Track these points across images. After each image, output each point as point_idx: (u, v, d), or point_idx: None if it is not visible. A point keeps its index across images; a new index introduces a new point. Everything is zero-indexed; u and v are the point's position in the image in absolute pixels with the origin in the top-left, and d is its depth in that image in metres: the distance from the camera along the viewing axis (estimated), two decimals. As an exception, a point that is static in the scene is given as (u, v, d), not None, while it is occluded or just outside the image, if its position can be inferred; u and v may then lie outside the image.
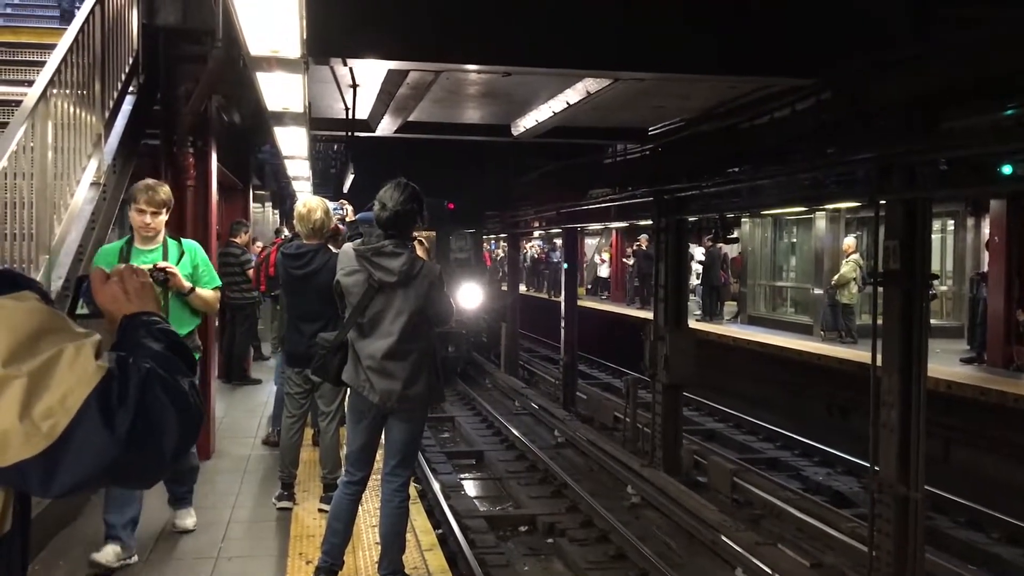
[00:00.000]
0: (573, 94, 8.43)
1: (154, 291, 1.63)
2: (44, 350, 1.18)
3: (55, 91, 4.84)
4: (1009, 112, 6.35)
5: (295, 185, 13.67)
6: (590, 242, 30.91)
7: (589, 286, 28.86)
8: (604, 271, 28.69)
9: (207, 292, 4.95)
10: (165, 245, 4.82)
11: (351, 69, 7.56)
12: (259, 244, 11.69)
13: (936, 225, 14.81)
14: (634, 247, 23.66)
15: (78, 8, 6.25)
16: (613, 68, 6.80)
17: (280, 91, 5.48)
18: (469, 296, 18.78)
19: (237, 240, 10.74)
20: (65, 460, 1.18)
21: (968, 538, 9.12)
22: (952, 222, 16.49)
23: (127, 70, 6.35)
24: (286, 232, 15.21)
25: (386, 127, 10.24)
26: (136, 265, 1.66)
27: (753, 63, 6.81)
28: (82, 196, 5.26)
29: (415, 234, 4.60)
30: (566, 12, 6.30)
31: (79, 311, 1.67)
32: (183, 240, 5.03)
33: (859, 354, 12.53)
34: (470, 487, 11.45)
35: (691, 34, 6.52)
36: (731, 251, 19.62)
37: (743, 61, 6.76)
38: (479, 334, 19.86)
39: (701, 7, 6.46)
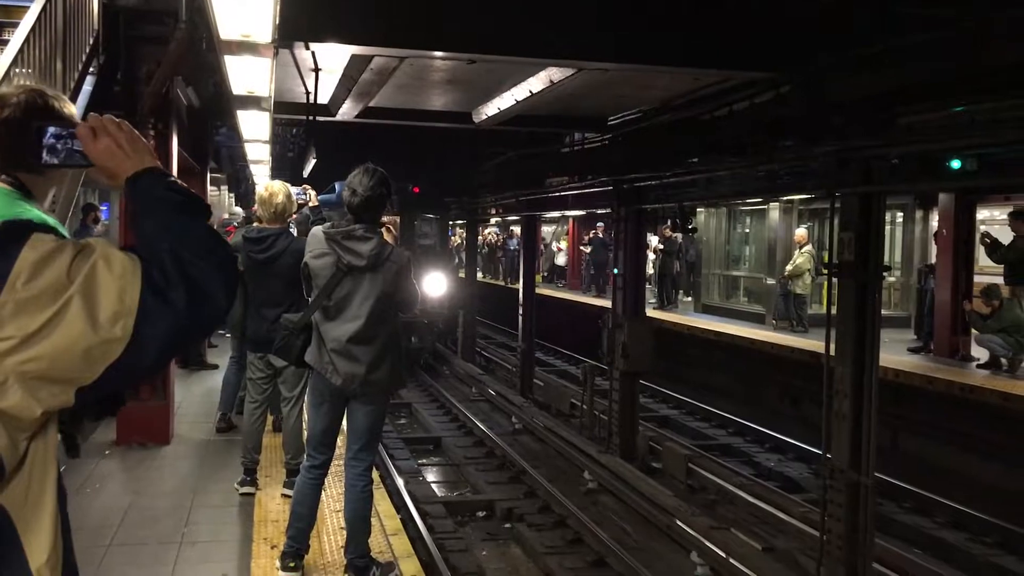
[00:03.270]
0: (536, 83, 8.47)
1: (145, 141, 1.57)
2: (80, 270, 1.26)
3: (17, 70, 4.76)
4: (959, 108, 6.55)
5: (253, 168, 13.54)
6: (547, 230, 31.03)
7: (545, 273, 28.98)
8: (561, 259, 28.83)
9: None
10: None
11: (313, 53, 7.51)
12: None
13: (886, 217, 15.16)
14: (591, 235, 23.80)
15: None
16: (578, 58, 6.86)
17: (246, 75, 5.45)
18: (435, 284, 18.36)
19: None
20: (146, 348, 1.29)
21: (914, 523, 9.39)
22: (901, 214, 16.86)
23: (87, 51, 6.25)
24: (227, 216, 14.96)
25: (347, 112, 10.20)
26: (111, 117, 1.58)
27: (715, 56, 6.91)
28: (43, 177, 5.17)
29: (382, 219, 4.63)
30: (532, 1, 6.35)
31: (47, 161, 1.55)
32: None
33: (810, 343, 12.80)
34: (428, 473, 11.49)
35: (655, 26, 6.60)
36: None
37: (705, 54, 6.86)
38: (441, 322, 19.36)
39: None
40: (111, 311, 1.26)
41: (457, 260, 25.25)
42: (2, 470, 1.21)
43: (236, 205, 20.21)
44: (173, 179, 1.54)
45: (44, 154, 1.55)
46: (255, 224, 6.24)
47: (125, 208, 7.38)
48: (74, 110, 1.60)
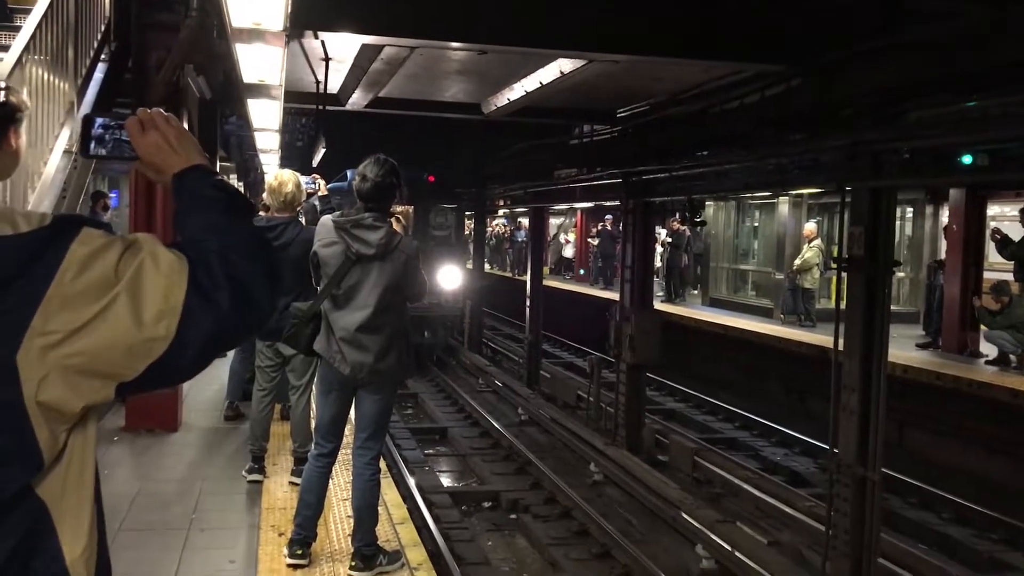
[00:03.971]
0: (546, 74, 8.46)
1: (193, 138, 1.55)
2: (128, 266, 1.25)
3: (29, 57, 4.78)
4: (971, 104, 6.51)
5: (262, 158, 13.55)
6: (554, 222, 31.02)
7: (553, 266, 28.98)
8: (569, 251, 28.82)
9: None
10: None
11: (323, 42, 7.51)
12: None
13: (896, 212, 15.08)
14: (599, 227, 23.77)
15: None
16: (590, 49, 6.85)
17: (257, 63, 5.45)
18: (449, 277, 17.62)
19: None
20: (187, 348, 1.28)
21: (920, 518, 9.39)
22: (911, 210, 16.80)
23: (99, 37, 6.26)
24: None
25: (357, 101, 10.19)
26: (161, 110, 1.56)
27: (725, 48, 6.89)
28: (55, 165, 5.21)
29: (392, 209, 4.64)
30: (544, -8, 6.33)
31: (93, 152, 1.54)
32: None
33: (818, 337, 12.78)
34: (435, 463, 11.52)
35: (666, 18, 6.58)
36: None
37: (716, 46, 6.84)
38: (455, 317, 18.55)
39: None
40: (156, 309, 1.25)
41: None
42: (41, 462, 1.21)
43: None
44: (220, 178, 1.52)
45: (92, 145, 1.53)
46: (262, 213, 6.26)
47: (135, 196, 7.40)
48: (24, 98, 1.58)
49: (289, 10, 4.16)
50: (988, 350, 11.77)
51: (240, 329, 1.37)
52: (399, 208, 4.92)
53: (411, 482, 9.70)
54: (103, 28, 6.41)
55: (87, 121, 1.55)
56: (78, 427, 1.26)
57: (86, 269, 1.22)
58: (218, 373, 9.40)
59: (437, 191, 17.87)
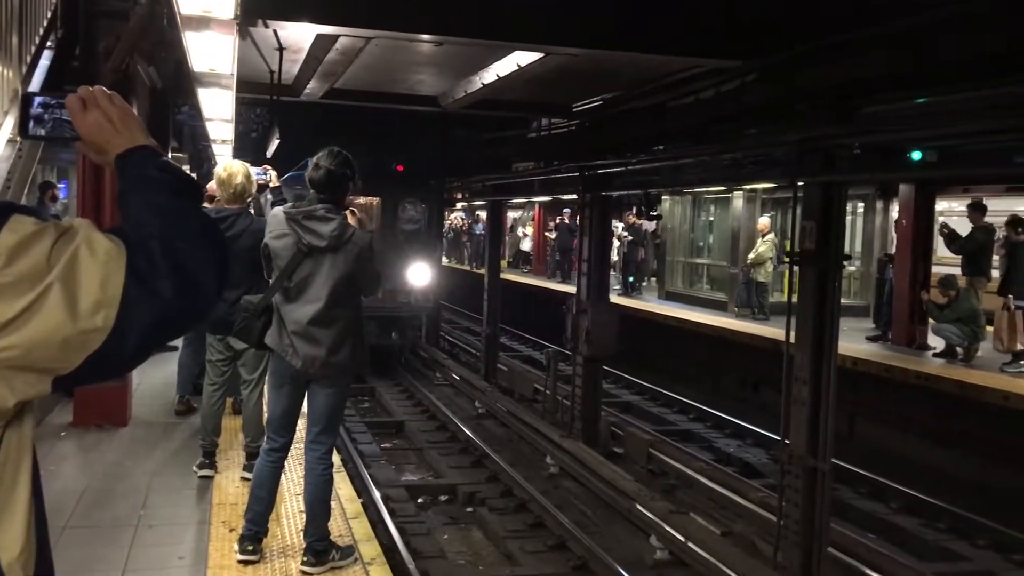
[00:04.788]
0: (503, 67, 8.45)
1: (138, 118, 1.49)
2: (62, 254, 1.19)
3: (-30, 43, 4.63)
4: (921, 100, 6.62)
5: (215, 148, 13.33)
6: (512, 215, 31.01)
7: (511, 259, 28.97)
8: (526, 244, 28.84)
9: None
10: None
11: (275, 31, 7.41)
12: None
13: (847, 207, 15.28)
14: (557, 221, 23.81)
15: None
16: (545, 42, 6.85)
17: (208, 52, 5.35)
18: (420, 274, 16.79)
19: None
20: (127, 340, 1.22)
21: (869, 508, 9.54)
22: (862, 205, 17.05)
23: (45, 24, 6.09)
24: None
25: (312, 92, 10.10)
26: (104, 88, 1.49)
27: (682, 43, 6.93)
28: (-3, 154, 5.06)
29: (351, 199, 4.60)
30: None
31: (32, 132, 1.49)
32: None
33: (771, 330, 12.93)
34: (391, 457, 11.46)
35: (622, 12, 6.60)
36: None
37: (672, 40, 6.88)
38: (425, 316, 17.59)
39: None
40: (92, 300, 1.19)
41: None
42: None
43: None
44: (166, 159, 1.46)
45: (31, 124, 1.48)
46: (207, 205, 6.15)
47: (83, 185, 7.25)
48: None
49: (239, -2, 4.10)
50: (936, 343, 11.99)
51: (184, 317, 1.31)
52: (361, 200, 4.88)
53: (367, 476, 9.64)
54: (49, 14, 6.24)
55: (26, 100, 1.48)
56: (13, 424, 1.20)
57: (16, 258, 1.16)
58: (169, 367, 9.26)
59: (407, 183, 17.06)
